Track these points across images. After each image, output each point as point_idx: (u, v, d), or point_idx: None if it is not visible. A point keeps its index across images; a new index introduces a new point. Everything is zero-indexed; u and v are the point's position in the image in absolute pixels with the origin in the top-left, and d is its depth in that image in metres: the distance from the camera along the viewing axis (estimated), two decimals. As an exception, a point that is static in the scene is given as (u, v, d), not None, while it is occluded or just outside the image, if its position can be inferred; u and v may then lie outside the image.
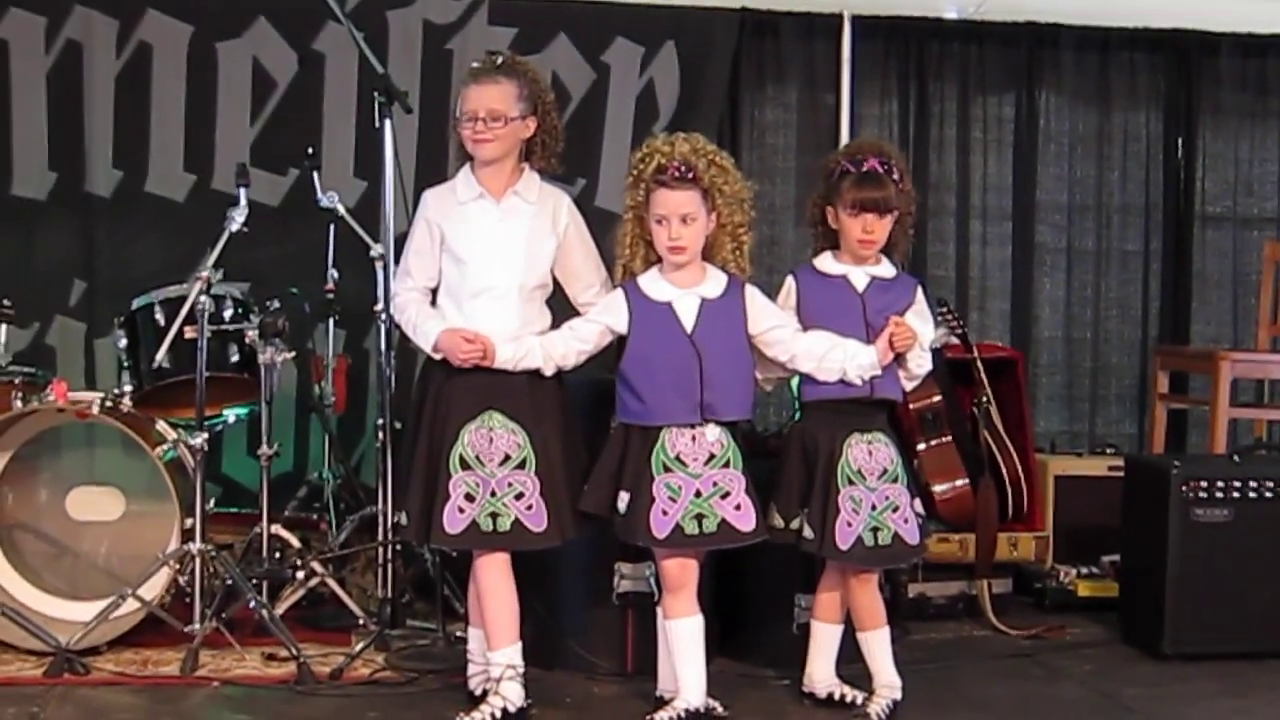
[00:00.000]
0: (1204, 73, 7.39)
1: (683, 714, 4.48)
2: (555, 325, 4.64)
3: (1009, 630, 5.83)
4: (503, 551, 4.47)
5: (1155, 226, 7.46)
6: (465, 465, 4.41)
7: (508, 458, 4.43)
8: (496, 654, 4.48)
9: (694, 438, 4.47)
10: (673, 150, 4.46)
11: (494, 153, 4.51)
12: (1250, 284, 7.32)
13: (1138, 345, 7.44)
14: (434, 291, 4.62)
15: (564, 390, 4.64)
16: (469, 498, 4.39)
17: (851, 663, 4.86)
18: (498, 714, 4.42)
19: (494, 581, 4.49)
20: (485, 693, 4.59)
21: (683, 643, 4.53)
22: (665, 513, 4.42)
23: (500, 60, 4.63)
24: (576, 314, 4.66)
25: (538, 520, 4.43)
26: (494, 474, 4.41)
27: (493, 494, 4.40)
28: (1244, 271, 7.44)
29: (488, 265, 4.54)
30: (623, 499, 4.48)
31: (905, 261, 4.89)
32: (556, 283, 4.70)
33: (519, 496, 4.42)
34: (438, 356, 4.49)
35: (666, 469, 4.45)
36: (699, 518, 4.43)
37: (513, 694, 4.45)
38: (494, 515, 4.40)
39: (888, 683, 4.71)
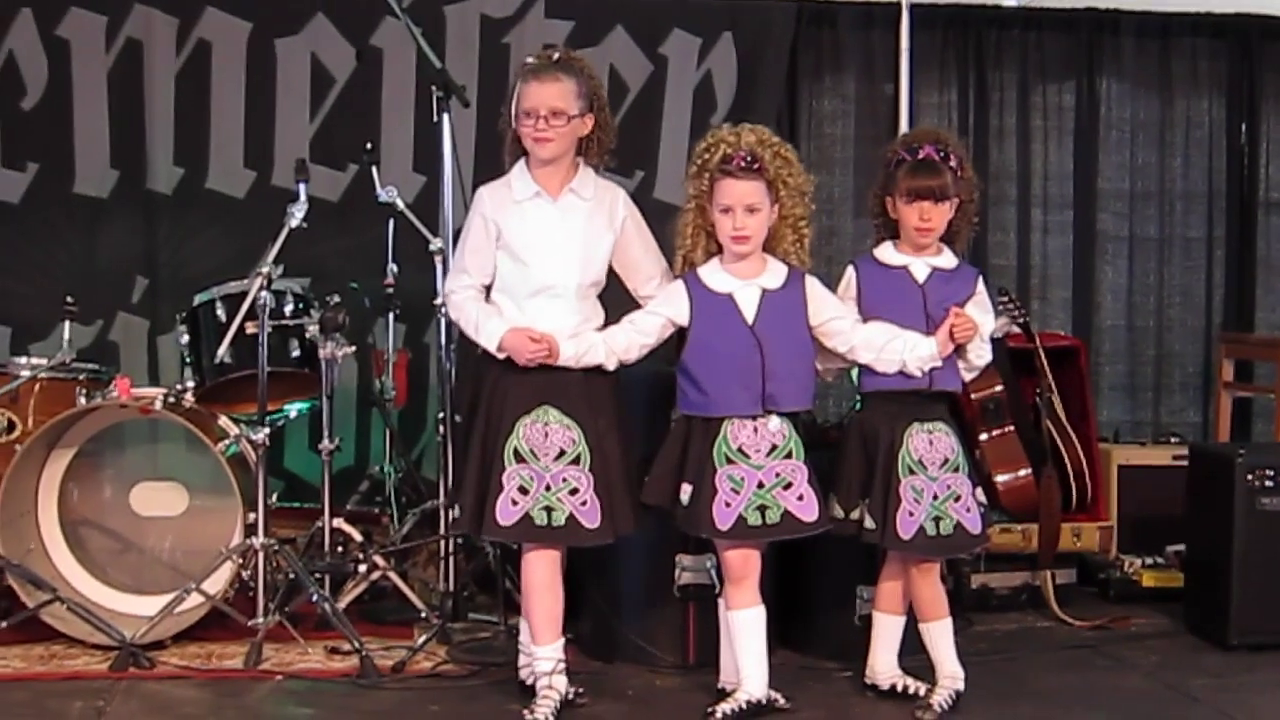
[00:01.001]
0: (1267, 58, 7.34)
1: (744, 706, 4.48)
2: (609, 319, 4.63)
3: (1073, 621, 5.81)
4: (554, 547, 4.48)
5: (1218, 213, 7.41)
6: (520, 458, 4.41)
7: (562, 453, 4.42)
8: (541, 649, 4.49)
9: (756, 429, 4.47)
10: (739, 140, 4.46)
11: (554, 151, 4.49)
12: (1316, 272, 7.29)
13: (1201, 333, 7.39)
14: (487, 288, 4.62)
15: (619, 385, 4.64)
16: (523, 490, 4.39)
17: (914, 654, 4.84)
18: (558, 705, 4.44)
19: (541, 577, 4.48)
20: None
21: (744, 634, 4.52)
22: (728, 504, 4.41)
23: (557, 56, 4.61)
24: (635, 306, 4.65)
25: (591, 517, 4.42)
26: (548, 468, 4.41)
27: (547, 488, 4.39)
28: (1310, 259, 7.40)
29: (546, 265, 4.52)
30: (685, 491, 4.48)
31: (966, 251, 4.87)
32: (615, 275, 4.68)
33: (573, 492, 4.41)
34: (502, 356, 4.47)
35: (729, 460, 4.44)
36: (762, 509, 4.43)
37: (561, 685, 4.48)
38: (548, 509, 4.39)
39: (950, 674, 4.69)
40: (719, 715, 4.46)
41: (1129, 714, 4.73)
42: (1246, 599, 5.39)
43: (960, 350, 4.61)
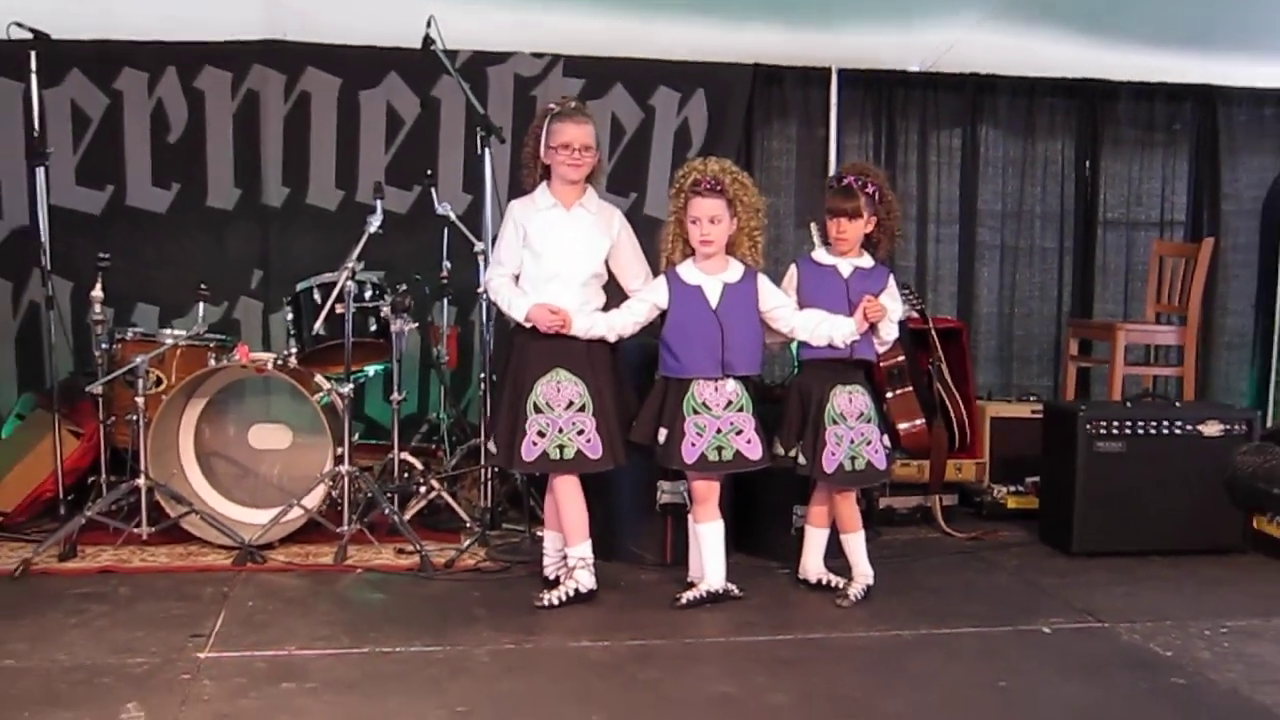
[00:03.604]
0: (1104, 112, 7.35)
1: (705, 594, 4.55)
2: (609, 304, 4.69)
3: (955, 534, 5.85)
4: (570, 474, 4.52)
5: (1068, 229, 7.43)
6: (538, 409, 4.47)
7: (571, 403, 4.49)
8: (573, 549, 4.56)
9: (716, 388, 4.51)
10: (706, 169, 4.49)
11: (580, 175, 4.59)
12: (1140, 272, 7.29)
13: (1054, 319, 7.42)
14: (516, 277, 4.65)
15: (615, 352, 4.67)
16: (540, 434, 4.46)
17: (835, 558, 4.88)
18: (572, 593, 4.50)
19: (568, 495, 4.55)
20: (558, 578, 4.67)
21: (708, 541, 4.58)
22: (694, 445, 4.47)
23: (577, 104, 4.68)
24: (626, 297, 4.70)
25: (594, 450, 4.49)
26: (560, 415, 4.47)
27: (560, 430, 4.46)
28: (1135, 263, 7.41)
29: (558, 258, 4.58)
30: (662, 434, 4.52)
31: (888, 257, 4.90)
32: (611, 273, 4.73)
33: (580, 432, 4.48)
34: (528, 325, 4.53)
35: (695, 411, 4.49)
36: (719, 449, 4.48)
37: (585, 579, 4.54)
38: (561, 447, 4.46)
39: (863, 572, 4.74)
40: (684, 601, 4.53)
41: (997, 603, 4.74)
42: (1085, 518, 5.44)
43: (873, 328, 4.63)
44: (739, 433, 4.51)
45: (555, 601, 4.48)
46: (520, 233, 4.60)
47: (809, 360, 4.70)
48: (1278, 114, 7.42)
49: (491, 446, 4.81)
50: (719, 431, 4.48)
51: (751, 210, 4.52)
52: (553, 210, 4.60)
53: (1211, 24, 6.29)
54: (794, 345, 4.77)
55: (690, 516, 4.70)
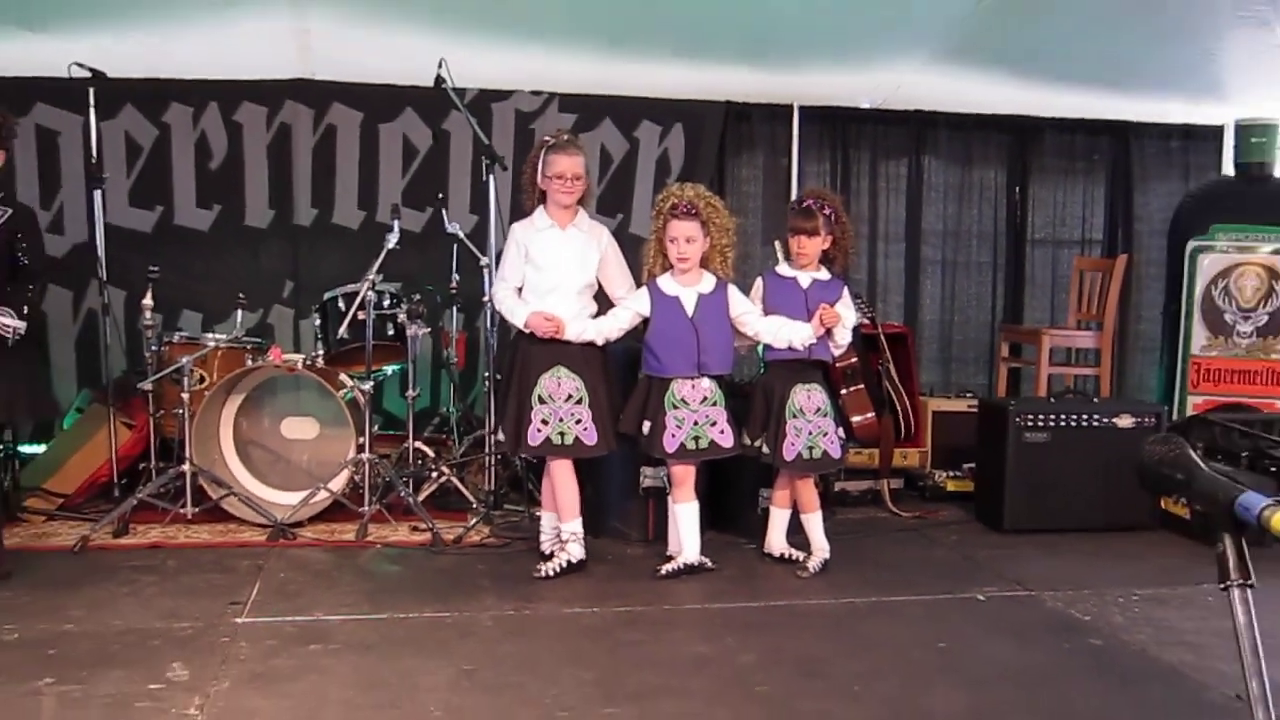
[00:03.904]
0: (1032, 145, 7.35)
1: (683, 566, 4.56)
2: (600, 311, 4.69)
3: (901, 513, 5.85)
4: (567, 457, 4.53)
5: (1000, 246, 7.42)
6: (542, 401, 4.49)
7: (570, 396, 4.50)
8: (566, 524, 4.57)
9: (693, 385, 4.52)
10: (683, 194, 4.50)
11: (572, 200, 4.61)
12: (1063, 284, 7.31)
13: (988, 325, 7.41)
14: (519, 290, 4.65)
15: (606, 354, 4.67)
16: (544, 422, 4.47)
17: (796, 534, 4.90)
18: (565, 564, 4.51)
19: (563, 477, 4.57)
20: (553, 553, 4.67)
21: (684, 519, 4.59)
22: (674, 435, 4.48)
23: (570, 137, 4.67)
24: (612, 305, 4.71)
25: (590, 437, 4.51)
26: (561, 407, 4.48)
27: (560, 420, 4.47)
28: (1059, 276, 7.41)
29: (556, 272, 4.59)
30: (645, 425, 4.53)
31: (843, 272, 4.92)
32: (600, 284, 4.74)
33: (578, 422, 4.50)
34: (527, 331, 4.54)
35: (674, 406, 4.50)
36: (696, 439, 4.50)
37: (576, 551, 4.55)
38: (561, 434, 4.48)
39: (820, 547, 4.75)
40: (664, 572, 4.53)
41: (938, 574, 4.77)
42: (1014, 499, 5.47)
43: (829, 334, 4.64)
44: (713, 424, 4.53)
45: (551, 572, 4.48)
46: (522, 251, 4.60)
47: (772, 361, 4.72)
48: (1183, 146, 7.44)
49: (500, 435, 4.82)
50: (696, 424, 4.50)
51: (723, 230, 4.53)
52: (550, 230, 4.61)
53: (1125, 68, 6.32)
54: (760, 348, 4.77)
55: (670, 498, 4.70)
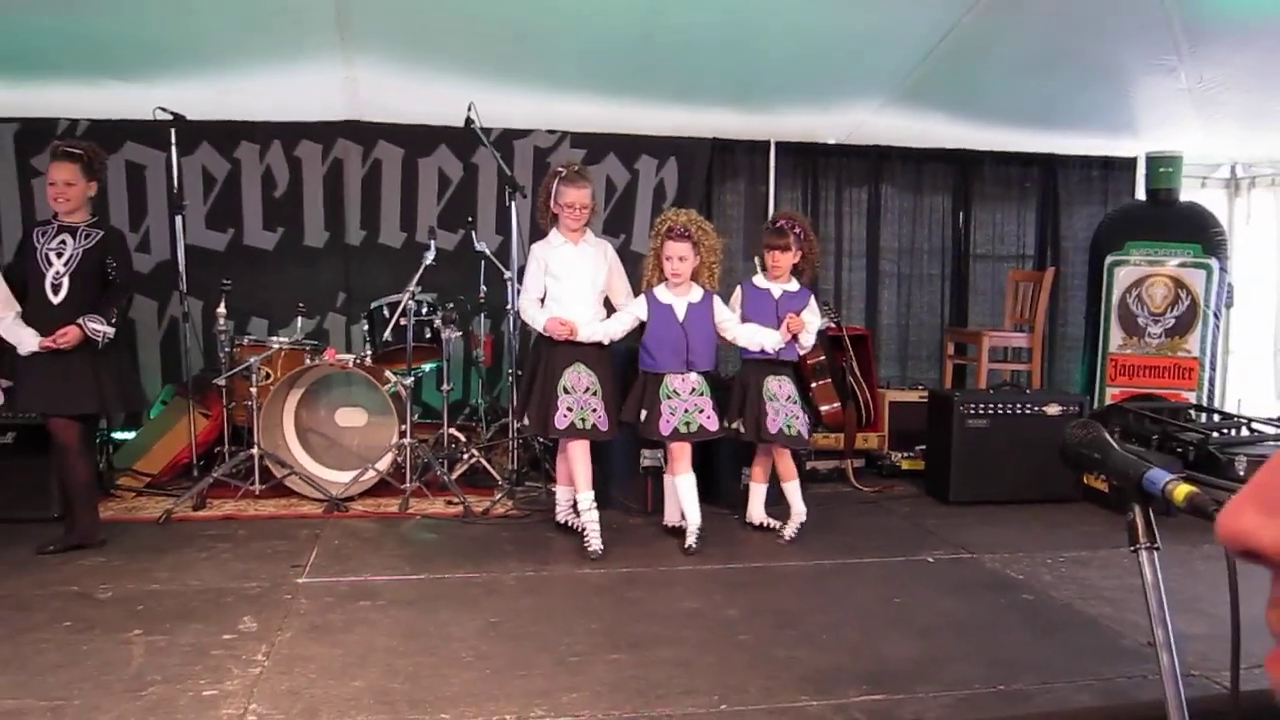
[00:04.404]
0: (974, 174, 7.34)
1: (698, 531, 4.50)
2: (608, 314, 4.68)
3: (862, 488, 5.84)
4: (586, 439, 4.51)
5: (947, 261, 7.40)
6: (566, 391, 4.47)
7: (588, 388, 4.49)
8: (583, 495, 4.52)
9: (683, 379, 4.52)
10: (677, 219, 4.50)
11: (580, 226, 4.59)
12: (1000, 293, 7.28)
13: (937, 328, 7.39)
14: (541, 300, 4.65)
15: (612, 353, 4.67)
16: (568, 410, 4.45)
17: (774, 505, 4.90)
18: (598, 528, 4.45)
19: (580, 455, 4.54)
20: (567, 522, 4.68)
21: (684, 490, 4.57)
22: (668, 421, 4.47)
23: (580, 169, 4.67)
24: (614, 310, 4.71)
25: (604, 423, 4.50)
26: (581, 397, 4.47)
27: (581, 407, 4.46)
28: (997, 286, 7.39)
29: (574, 281, 4.59)
30: (643, 414, 4.52)
31: (812, 282, 4.91)
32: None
33: (594, 410, 4.48)
34: (546, 334, 4.53)
35: (668, 396, 4.49)
36: (687, 423, 4.49)
37: (593, 517, 4.49)
38: (582, 419, 4.46)
39: (799, 511, 4.73)
40: (691, 547, 4.45)
41: (893, 540, 4.76)
42: (959, 475, 5.46)
43: (795, 338, 4.65)
44: (701, 411, 4.52)
45: (599, 549, 4.39)
46: (542, 265, 4.60)
47: (748, 359, 4.73)
48: (1102, 174, 7.43)
49: (524, 421, 4.82)
50: (686, 410, 4.49)
51: (711, 250, 4.53)
52: (564, 246, 4.60)
53: (1052, 108, 6.32)
54: (738, 349, 4.78)
55: (667, 473, 4.69)
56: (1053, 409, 5.52)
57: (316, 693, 2.91)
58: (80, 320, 4.15)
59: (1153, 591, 1.37)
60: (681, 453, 4.56)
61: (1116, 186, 7.45)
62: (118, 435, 5.91)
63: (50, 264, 4.23)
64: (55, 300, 4.21)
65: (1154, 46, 5.32)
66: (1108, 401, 6.54)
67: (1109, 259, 6.66)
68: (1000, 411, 5.48)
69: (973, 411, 5.46)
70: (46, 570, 4.03)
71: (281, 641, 3.30)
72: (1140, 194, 7.14)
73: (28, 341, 4.14)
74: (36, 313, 4.20)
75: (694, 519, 4.53)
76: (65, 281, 4.22)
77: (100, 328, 4.18)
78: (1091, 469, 1.47)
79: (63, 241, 4.25)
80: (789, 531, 4.67)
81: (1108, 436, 1.47)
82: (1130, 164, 7.36)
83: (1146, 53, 5.41)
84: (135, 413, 5.90)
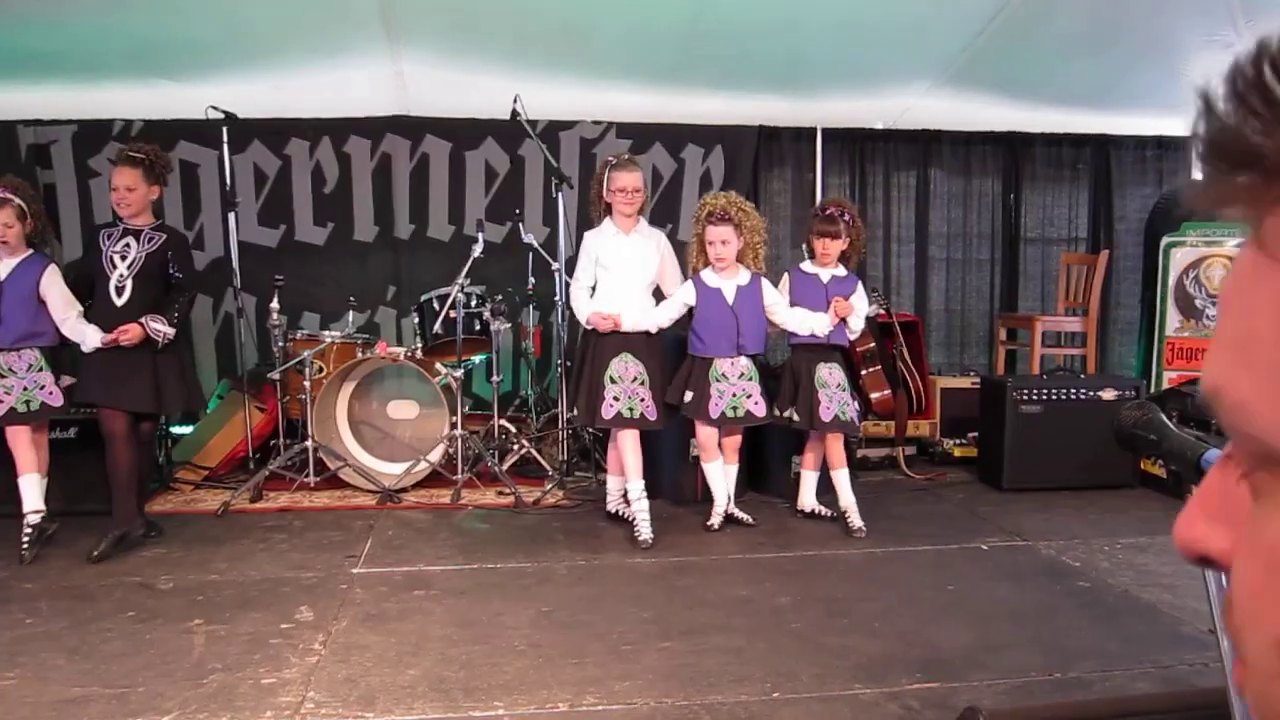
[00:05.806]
0: (1024, 156, 7.22)
1: (721, 514, 4.55)
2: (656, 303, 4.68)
3: (914, 475, 5.80)
4: (634, 429, 4.51)
5: (997, 245, 7.30)
6: (613, 381, 4.49)
7: (635, 377, 4.51)
8: (632, 484, 4.53)
9: (732, 363, 4.52)
10: (716, 203, 4.50)
11: (634, 210, 4.60)
12: (1052, 277, 7.16)
13: (987, 314, 7.29)
14: (592, 288, 4.68)
15: (662, 341, 4.68)
16: (615, 399, 4.47)
17: (824, 494, 4.87)
18: (648, 517, 4.45)
19: (631, 445, 4.54)
20: (618, 512, 4.69)
21: (711, 474, 4.63)
22: (716, 404, 4.49)
23: (629, 157, 4.69)
24: (664, 297, 4.71)
25: (652, 413, 4.52)
26: (628, 387, 4.49)
27: (629, 397, 4.47)
28: (1049, 270, 7.27)
29: (624, 271, 4.60)
30: (687, 395, 4.53)
31: (857, 267, 4.88)
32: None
33: (641, 400, 4.50)
34: (590, 326, 4.56)
35: (717, 380, 4.50)
36: (734, 408, 4.50)
37: (643, 506, 4.49)
38: (630, 409, 4.48)
39: (849, 503, 4.66)
40: (715, 526, 4.51)
41: (946, 527, 4.73)
42: (1012, 462, 5.40)
43: (844, 322, 4.62)
44: (748, 396, 4.53)
45: (650, 538, 4.39)
46: (592, 256, 4.61)
47: (798, 344, 4.71)
48: (1156, 155, 7.28)
49: (574, 411, 4.83)
50: (734, 395, 4.50)
51: (754, 230, 4.52)
52: (616, 237, 4.61)
53: (1103, 88, 6.20)
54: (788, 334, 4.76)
55: (705, 463, 4.68)
56: (1108, 394, 5.43)
57: (372, 681, 2.95)
58: (142, 319, 4.23)
59: (1213, 577, 1.34)
60: (709, 441, 4.56)
61: (1171, 166, 7.29)
62: (176, 430, 6.02)
63: (115, 266, 4.31)
64: (119, 303, 4.28)
65: (1210, 22, 5.19)
66: (1165, 385, 6.41)
67: (1165, 240, 6.52)
68: (1054, 397, 5.40)
69: (1026, 397, 5.39)
70: (109, 562, 4.11)
71: (338, 631, 3.35)
72: (1195, 174, 6.98)
73: (91, 338, 4.24)
74: (101, 314, 4.29)
75: (719, 501, 4.58)
76: (129, 284, 4.29)
77: (161, 328, 4.25)
78: (1147, 451, 1.44)
79: (127, 245, 4.33)
80: (856, 520, 4.58)
81: (1163, 417, 1.44)
82: (1184, 143, 7.19)
83: (1202, 28, 5.28)
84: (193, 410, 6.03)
